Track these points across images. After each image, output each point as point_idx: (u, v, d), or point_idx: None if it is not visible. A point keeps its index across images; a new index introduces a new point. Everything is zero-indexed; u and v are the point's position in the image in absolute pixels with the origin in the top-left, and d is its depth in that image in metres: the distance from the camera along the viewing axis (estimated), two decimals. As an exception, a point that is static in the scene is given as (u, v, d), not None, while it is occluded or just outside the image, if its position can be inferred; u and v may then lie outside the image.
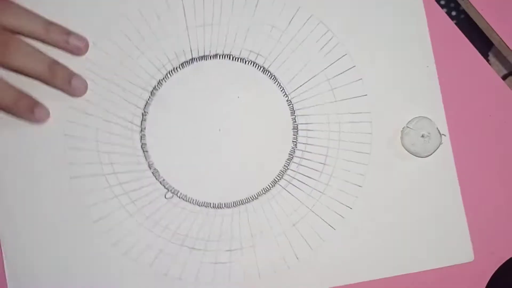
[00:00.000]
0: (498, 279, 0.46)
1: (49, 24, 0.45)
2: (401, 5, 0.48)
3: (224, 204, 0.46)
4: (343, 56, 0.48)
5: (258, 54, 0.47)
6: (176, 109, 0.47)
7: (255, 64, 0.47)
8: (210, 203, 0.46)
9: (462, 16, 0.49)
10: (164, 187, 0.46)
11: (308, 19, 0.48)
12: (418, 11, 0.48)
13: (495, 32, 0.48)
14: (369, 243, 0.46)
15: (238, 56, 0.47)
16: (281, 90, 0.47)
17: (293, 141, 0.47)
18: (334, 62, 0.48)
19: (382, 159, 0.47)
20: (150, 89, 0.47)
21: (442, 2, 0.49)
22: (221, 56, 0.47)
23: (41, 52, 0.44)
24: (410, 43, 0.48)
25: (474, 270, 0.46)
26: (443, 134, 0.46)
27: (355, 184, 0.47)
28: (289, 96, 0.47)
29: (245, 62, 0.47)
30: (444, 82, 0.48)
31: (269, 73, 0.48)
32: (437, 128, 0.46)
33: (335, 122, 0.47)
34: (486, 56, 0.49)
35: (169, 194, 0.46)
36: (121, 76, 0.47)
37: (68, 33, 0.45)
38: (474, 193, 0.47)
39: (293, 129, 0.47)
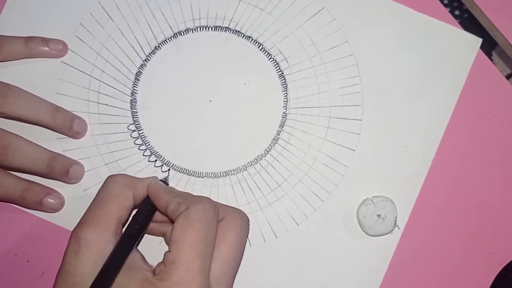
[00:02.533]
0: (502, 280, 0.45)
1: (56, 110, 0.45)
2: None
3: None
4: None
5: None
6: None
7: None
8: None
9: (466, 15, 0.49)
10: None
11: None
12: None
13: (499, 31, 0.48)
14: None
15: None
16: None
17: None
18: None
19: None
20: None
21: (446, 1, 0.49)
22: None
23: (39, 150, 0.44)
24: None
25: (478, 270, 0.46)
26: (397, 226, 0.46)
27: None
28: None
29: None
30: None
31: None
32: (395, 218, 0.45)
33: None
34: (489, 56, 0.48)
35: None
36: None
37: (73, 118, 0.46)
38: (477, 192, 0.47)
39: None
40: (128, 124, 0.47)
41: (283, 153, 0.47)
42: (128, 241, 0.39)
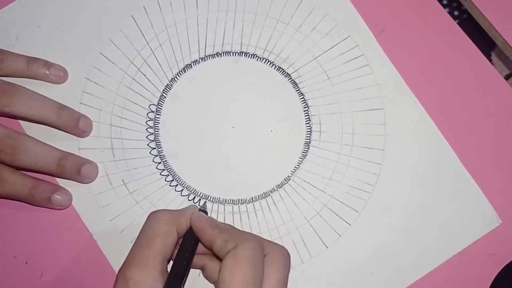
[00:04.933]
0: (501, 281, 0.45)
1: (61, 109, 0.45)
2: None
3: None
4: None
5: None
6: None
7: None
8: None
9: (465, 16, 0.49)
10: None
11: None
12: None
13: (498, 32, 0.48)
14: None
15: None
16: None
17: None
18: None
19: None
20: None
21: (445, 2, 0.49)
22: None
23: (49, 150, 0.45)
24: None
25: (477, 270, 0.46)
26: None
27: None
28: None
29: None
30: (446, 82, 0.48)
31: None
32: None
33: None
34: (488, 56, 0.48)
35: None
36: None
37: (78, 117, 0.46)
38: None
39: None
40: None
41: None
42: (176, 280, 0.39)
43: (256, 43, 0.48)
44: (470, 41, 0.48)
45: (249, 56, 0.48)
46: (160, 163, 0.47)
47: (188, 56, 0.48)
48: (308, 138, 0.47)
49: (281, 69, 0.48)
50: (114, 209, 0.46)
